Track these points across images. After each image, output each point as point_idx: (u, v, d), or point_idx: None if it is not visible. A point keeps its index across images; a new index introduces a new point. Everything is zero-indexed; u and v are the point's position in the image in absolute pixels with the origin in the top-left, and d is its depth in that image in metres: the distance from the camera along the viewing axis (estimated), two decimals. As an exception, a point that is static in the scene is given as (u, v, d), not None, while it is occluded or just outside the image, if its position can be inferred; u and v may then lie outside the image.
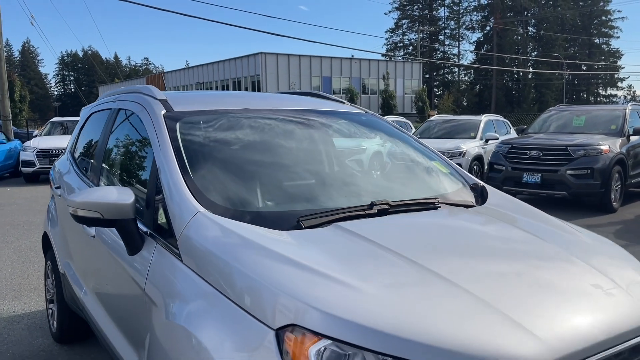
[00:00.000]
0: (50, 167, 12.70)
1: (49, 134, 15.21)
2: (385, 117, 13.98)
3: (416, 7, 77.40)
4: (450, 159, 10.27)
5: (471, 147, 11.21)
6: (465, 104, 69.71)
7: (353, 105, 3.33)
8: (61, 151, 12.94)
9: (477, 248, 1.98)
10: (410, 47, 76.74)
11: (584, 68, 67.60)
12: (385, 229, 2.01)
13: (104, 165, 3.01)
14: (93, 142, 3.37)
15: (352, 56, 52.02)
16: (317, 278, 1.60)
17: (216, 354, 1.56)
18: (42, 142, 13.71)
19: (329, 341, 1.41)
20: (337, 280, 1.59)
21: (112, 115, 3.12)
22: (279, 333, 1.47)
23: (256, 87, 45.03)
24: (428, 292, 1.59)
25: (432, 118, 13.55)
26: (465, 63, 76.14)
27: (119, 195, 2.12)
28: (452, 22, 77.52)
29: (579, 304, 1.64)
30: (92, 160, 3.27)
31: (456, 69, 78.98)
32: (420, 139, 3.20)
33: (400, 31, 79.29)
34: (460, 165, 10.63)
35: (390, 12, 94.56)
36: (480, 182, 2.79)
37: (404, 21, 78.49)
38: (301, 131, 2.75)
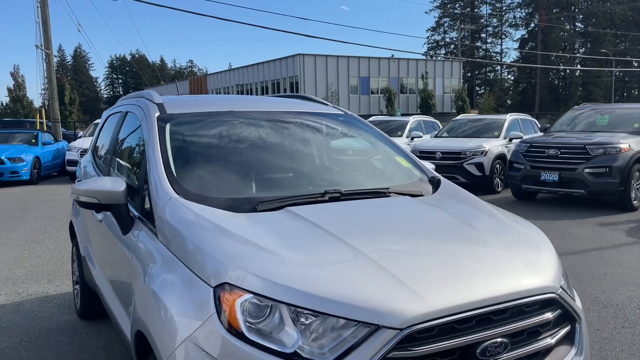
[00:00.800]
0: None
1: (92, 134, 16.12)
2: (413, 117, 14.15)
3: (457, 5, 76.56)
4: (472, 158, 10.45)
5: (494, 146, 11.31)
6: (509, 102, 68.50)
7: (336, 107, 3.68)
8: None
9: (399, 227, 2.32)
10: (452, 46, 75.98)
11: (635, 65, 65.26)
12: (327, 212, 2.37)
13: (112, 159, 3.48)
14: (106, 140, 3.86)
15: (392, 55, 52.02)
16: (250, 248, 1.97)
17: (174, 310, 1.95)
18: (85, 143, 14.59)
19: (251, 295, 1.78)
20: (265, 250, 1.96)
21: (122, 117, 3.58)
22: (216, 290, 1.85)
23: (294, 88, 45.66)
24: (340, 261, 1.94)
25: (458, 117, 13.68)
26: (509, 61, 74.75)
27: (112, 185, 2.56)
28: (495, 20, 76.28)
29: (466, 274, 1.96)
30: (105, 156, 3.76)
31: (499, 68, 77.59)
32: (385, 136, 3.47)
33: (442, 30, 78.66)
34: (482, 164, 10.78)
35: (431, 10, 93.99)
36: (437, 175, 3.10)
37: (445, 19, 77.81)
38: (275, 130, 3.13)
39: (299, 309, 1.74)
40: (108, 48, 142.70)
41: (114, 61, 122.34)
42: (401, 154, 3.28)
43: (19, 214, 9.43)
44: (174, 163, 2.63)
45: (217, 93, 56.96)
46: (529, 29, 71.64)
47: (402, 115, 30.97)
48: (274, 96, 4.23)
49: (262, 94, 50.28)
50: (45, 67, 20.60)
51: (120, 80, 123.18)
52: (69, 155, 14.36)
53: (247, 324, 1.75)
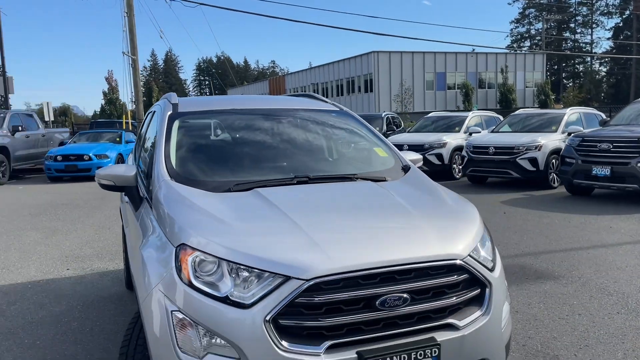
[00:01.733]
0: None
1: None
2: (472, 112, 14.14)
3: (543, -6, 73.31)
4: (525, 153, 10.40)
5: (550, 140, 11.15)
6: (602, 96, 64.69)
7: (335, 104, 4.11)
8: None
9: (340, 205, 2.74)
10: (537, 38, 72.82)
11: None
12: (286, 193, 2.83)
13: (139, 150, 4.14)
14: (140, 135, 4.54)
15: (473, 49, 50.88)
16: (207, 218, 2.49)
17: (150, 266, 2.49)
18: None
19: (199, 253, 2.29)
20: (219, 220, 2.46)
21: (151, 115, 4.23)
22: (177, 249, 2.37)
23: (368, 86, 45.95)
24: (275, 229, 2.41)
25: (517, 112, 13.50)
26: (600, 52, 70.55)
27: (125, 170, 3.17)
28: (585, 8, 72.26)
29: (375, 240, 2.36)
30: (136, 148, 4.44)
31: (589, 59, 73.38)
32: (372, 129, 3.87)
33: (526, 21, 75.65)
34: (535, 159, 10.70)
35: (514, 1, 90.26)
36: (410, 164, 3.46)
37: (530, 10, 74.74)
38: (266, 124, 3.64)
39: (234, 264, 2.22)
40: (196, 51, 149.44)
41: (201, 63, 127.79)
42: (382, 145, 3.66)
43: (98, 204, 10.58)
44: (176, 152, 3.21)
45: (294, 92, 58.37)
46: (624, 16, 67.30)
47: (479, 110, 30.41)
48: (289, 95, 4.72)
49: (338, 92, 50.98)
50: (131, 72, 22.32)
51: (206, 82, 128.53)
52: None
53: (196, 275, 2.26)
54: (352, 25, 49.50)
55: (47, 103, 22.34)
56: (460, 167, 12.92)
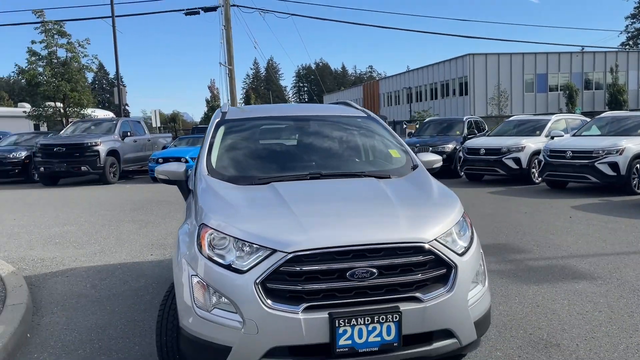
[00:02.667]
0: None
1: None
2: (555, 115, 13.85)
3: (663, -14, 67.55)
4: (605, 157, 10.20)
5: (635, 144, 10.72)
6: None
7: (364, 110, 4.60)
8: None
9: (337, 196, 3.26)
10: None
11: None
12: (296, 187, 3.39)
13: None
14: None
15: (583, 48, 48.25)
16: (224, 204, 3.11)
17: (182, 245, 3.15)
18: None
19: (214, 231, 2.90)
20: (233, 206, 3.08)
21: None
22: (199, 228, 3.01)
23: (463, 89, 45.14)
24: (273, 215, 2.97)
25: (603, 115, 13.01)
26: None
27: (177, 167, 3.90)
28: None
29: (352, 223, 2.85)
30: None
31: None
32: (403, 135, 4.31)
33: (643, 16, 70.11)
34: (616, 163, 10.41)
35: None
36: (419, 164, 3.88)
37: (646, 5, 69.13)
38: (296, 129, 4.22)
39: (237, 240, 2.82)
40: (296, 58, 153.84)
41: (300, 70, 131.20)
42: (397, 147, 4.11)
43: (189, 202, 11.73)
44: (217, 152, 3.88)
45: (387, 96, 58.51)
46: None
47: (582, 113, 28.94)
48: (334, 104, 5.27)
49: (432, 95, 50.52)
50: (227, 81, 23.93)
51: (305, 88, 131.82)
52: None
53: (210, 248, 2.88)
54: (449, 28, 48.82)
55: (155, 111, 24.57)
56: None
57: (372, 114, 4.57)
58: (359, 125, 4.43)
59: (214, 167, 3.73)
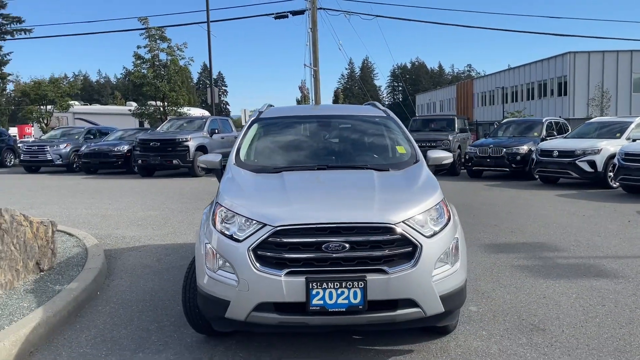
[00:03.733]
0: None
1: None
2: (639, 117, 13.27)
3: None
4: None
5: None
6: None
7: (385, 111, 5.08)
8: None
9: (333, 183, 3.82)
10: None
11: None
12: (301, 176, 3.97)
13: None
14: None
15: None
16: (236, 188, 3.77)
17: (203, 221, 3.84)
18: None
19: (224, 209, 3.57)
20: (242, 190, 3.73)
21: None
22: (214, 206, 3.69)
23: (562, 89, 43.08)
24: (272, 197, 3.59)
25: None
26: None
27: (213, 157, 4.63)
28: None
29: (332, 205, 3.39)
30: None
31: None
32: (408, 132, 4.75)
33: None
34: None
35: None
36: (420, 159, 4.33)
37: None
38: (318, 126, 4.80)
39: (239, 216, 3.46)
40: (391, 58, 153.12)
41: (396, 70, 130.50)
42: (405, 144, 4.57)
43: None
44: (247, 145, 4.57)
45: (482, 96, 57.03)
46: None
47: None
48: (366, 104, 5.79)
49: (528, 95, 48.63)
50: (312, 82, 24.85)
51: (400, 87, 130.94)
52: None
53: (221, 222, 3.55)
54: (550, 27, 46.76)
55: (244, 110, 26.10)
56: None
57: (391, 115, 5.04)
58: (376, 123, 4.93)
59: (241, 158, 4.41)
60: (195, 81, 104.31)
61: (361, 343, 3.83)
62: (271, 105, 5.48)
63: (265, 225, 3.32)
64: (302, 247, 3.28)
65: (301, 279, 3.21)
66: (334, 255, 3.25)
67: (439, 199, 3.66)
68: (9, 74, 40.43)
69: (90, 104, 39.79)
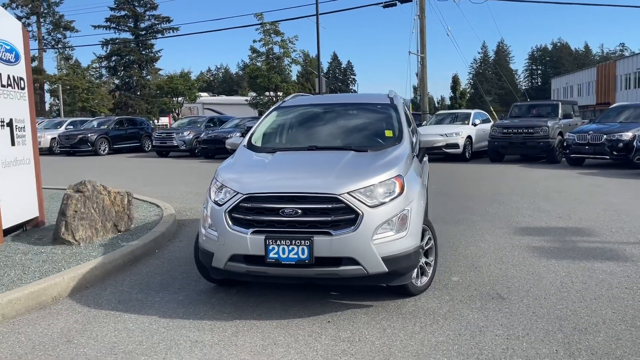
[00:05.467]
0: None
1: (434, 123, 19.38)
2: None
3: None
4: None
5: None
6: None
7: (392, 99, 5.59)
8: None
9: (309, 162, 4.53)
10: None
11: None
12: (291, 155, 4.72)
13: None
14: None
15: None
16: (231, 165, 4.62)
17: (209, 196, 4.75)
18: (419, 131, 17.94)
19: (218, 182, 4.43)
20: (235, 166, 4.58)
21: None
22: (213, 181, 4.57)
23: None
24: (255, 172, 4.39)
25: None
26: None
27: (234, 140, 5.53)
28: None
29: (295, 179, 4.14)
30: None
31: None
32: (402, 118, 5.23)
33: None
34: None
35: None
36: (403, 142, 4.83)
37: None
38: (323, 114, 5.47)
39: (225, 187, 4.31)
40: (530, 40, 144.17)
41: (535, 52, 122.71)
42: (394, 129, 5.08)
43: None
44: (260, 129, 5.41)
45: (625, 79, 52.20)
46: None
47: None
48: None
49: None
50: (419, 69, 24.95)
51: (539, 71, 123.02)
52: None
53: (214, 193, 4.41)
54: None
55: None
56: None
57: (396, 103, 5.52)
58: (376, 110, 5.48)
59: (252, 140, 5.25)
60: (324, 71, 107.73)
61: (333, 297, 4.50)
62: (302, 95, 6.27)
63: (238, 193, 4.14)
64: (265, 211, 4.05)
65: (262, 237, 3.98)
66: (289, 218, 3.97)
67: (393, 175, 4.20)
68: (160, 69, 45.53)
69: (217, 95, 43.38)
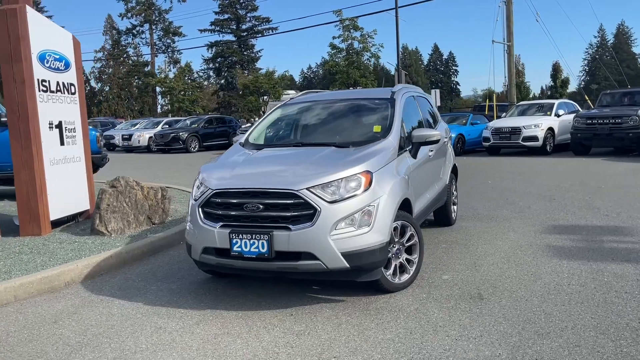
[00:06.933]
0: (501, 143, 16.12)
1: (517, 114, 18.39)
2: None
3: None
4: None
5: None
6: None
7: (394, 93, 5.48)
8: (510, 129, 16.10)
9: (285, 158, 4.60)
10: None
11: None
12: (274, 151, 4.84)
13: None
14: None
15: None
16: (214, 163, 4.81)
17: (191, 191, 4.98)
18: (497, 123, 17.10)
19: (199, 179, 4.65)
20: (215, 164, 4.76)
21: None
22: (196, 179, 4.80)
23: None
24: (229, 168, 4.52)
25: None
26: None
27: (237, 137, 5.74)
28: None
29: (261, 175, 4.25)
30: None
31: None
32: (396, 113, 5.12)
33: None
34: None
35: None
36: (389, 138, 4.75)
37: None
38: (320, 110, 5.49)
39: (200, 183, 4.51)
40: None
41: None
42: (383, 124, 5.00)
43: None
44: (260, 125, 5.57)
45: None
46: None
47: None
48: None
49: None
50: (506, 57, 23.80)
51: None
52: (484, 133, 17.25)
53: (195, 189, 4.63)
54: None
55: (436, 91, 26.13)
56: None
57: (397, 97, 5.38)
58: (372, 106, 5.41)
59: (249, 138, 5.42)
60: (425, 63, 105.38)
61: (310, 292, 4.56)
62: (312, 92, 6.35)
63: (209, 189, 4.33)
64: (232, 206, 4.21)
65: (227, 231, 4.15)
66: (252, 213, 4.10)
67: (360, 171, 4.17)
68: (260, 69, 47.39)
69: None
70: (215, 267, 4.46)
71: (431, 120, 6.47)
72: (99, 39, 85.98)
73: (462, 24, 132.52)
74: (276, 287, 4.71)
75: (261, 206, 4.08)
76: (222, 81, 55.51)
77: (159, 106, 61.65)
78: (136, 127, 29.84)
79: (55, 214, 6.96)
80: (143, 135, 26.94)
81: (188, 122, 27.86)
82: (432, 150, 5.70)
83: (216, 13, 55.04)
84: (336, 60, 24.70)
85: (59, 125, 7.17)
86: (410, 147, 5.05)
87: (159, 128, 28.31)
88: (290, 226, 3.99)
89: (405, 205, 4.60)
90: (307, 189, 4.02)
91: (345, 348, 3.47)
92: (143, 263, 5.78)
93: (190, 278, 5.15)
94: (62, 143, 7.22)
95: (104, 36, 68.04)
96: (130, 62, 63.70)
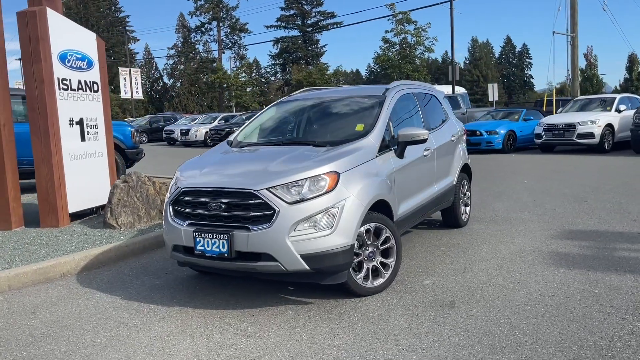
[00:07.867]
0: (554, 140, 15.28)
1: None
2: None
3: None
4: None
5: None
6: None
7: (388, 90, 5.28)
8: (564, 126, 15.31)
9: (260, 156, 4.55)
10: None
11: None
12: (254, 149, 4.78)
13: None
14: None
15: None
16: (190, 162, 4.82)
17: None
18: (550, 118, 16.22)
19: (174, 178, 4.69)
20: (191, 163, 4.77)
21: None
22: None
23: None
24: (197, 168, 4.52)
25: None
26: None
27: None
28: None
29: (228, 174, 4.20)
30: None
31: None
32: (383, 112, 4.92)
33: None
34: None
35: None
36: (370, 137, 4.59)
37: None
38: (310, 108, 5.38)
39: (176, 184, 4.53)
40: None
41: None
42: (366, 123, 4.82)
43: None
44: (253, 125, 5.55)
45: None
46: None
47: None
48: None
49: None
50: (569, 49, 22.56)
51: None
52: (537, 130, 16.40)
53: (171, 187, 4.67)
54: None
55: (492, 85, 25.20)
56: None
57: (389, 95, 5.17)
58: (361, 104, 5.24)
59: (237, 136, 5.41)
60: (497, 56, 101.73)
61: (285, 292, 4.51)
62: (311, 89, 6.24)
63: (178, 187, 4.36)
64: (198, 204, 4.22)
65: (192, 229, 4.16)
66: (216, 213, 4.09)
67: (325, 171, 4.05)
68: (325, 64, 47.54)
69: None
70: (185, 265, 4.50)
71: (436, 118, 6.21)
72: (172, 37, 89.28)
73: (536, 16, 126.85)
74: (254, 286, 4.69)
75: (223, 205, 4.06)
76: (288, 76, 56.31)
77: (225, 101, 63.43)
78: (195, 122, 30.72)
79: (74, 206, 7.27)
80: (200, 130, 27.71)
81: (244, 117, 28.37)
82: (427, 150, 5.46)
83: (282, 9, 55.82)
84: (389, 54, 24.34)
85: (80, 122, 7.47)
86: (396, 147, 4.85)
87: (215, 123, 29.01)
88: (250, 226, 3.95)
89: (381, 207, 4.44)
90: (267, 189, 3.95)
91: (287, 353, 3.39)
92: (142, 257, 5.92)
93: (177, 274, 5.22)
94: (82, 139, 7.52)
95: (176, 34, 70.82)
96: (199, 58, 65.77)
